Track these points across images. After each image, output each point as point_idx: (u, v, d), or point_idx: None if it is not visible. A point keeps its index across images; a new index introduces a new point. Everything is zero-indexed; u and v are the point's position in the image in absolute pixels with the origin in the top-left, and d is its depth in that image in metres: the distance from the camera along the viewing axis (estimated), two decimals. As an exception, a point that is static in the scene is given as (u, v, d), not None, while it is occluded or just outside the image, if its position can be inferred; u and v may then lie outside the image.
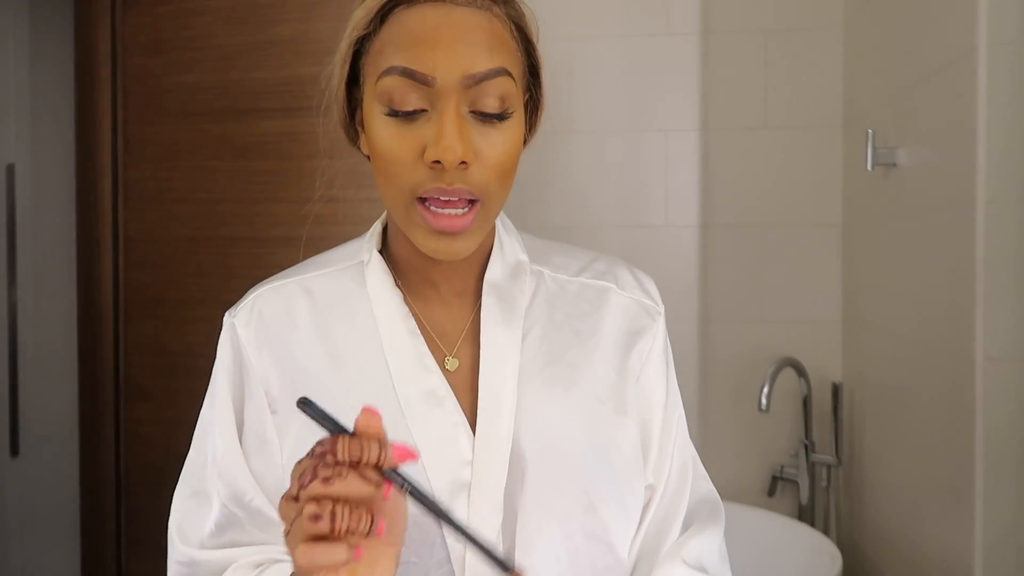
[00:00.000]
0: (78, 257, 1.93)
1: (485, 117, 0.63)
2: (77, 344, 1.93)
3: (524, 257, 0.76)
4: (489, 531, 0.67)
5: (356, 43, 0.67)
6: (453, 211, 0.63)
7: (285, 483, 0.68)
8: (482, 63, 0.62)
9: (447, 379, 0.70)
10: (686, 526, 0.75)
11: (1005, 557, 1.08)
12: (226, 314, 0.75)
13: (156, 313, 1.86)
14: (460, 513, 0.66)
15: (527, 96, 0.70)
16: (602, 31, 1.82)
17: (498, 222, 0.76)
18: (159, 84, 1.85)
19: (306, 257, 0.80)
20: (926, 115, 1.28)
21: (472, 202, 0.64)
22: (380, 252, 0.76)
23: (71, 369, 2.00)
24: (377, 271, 0.74)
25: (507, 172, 0.65)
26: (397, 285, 0.74)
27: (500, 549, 0.67)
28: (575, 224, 1.81)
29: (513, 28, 0.66)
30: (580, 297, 0.76)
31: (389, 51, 0.63)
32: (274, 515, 0.71)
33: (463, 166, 0.62)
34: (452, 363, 0.72)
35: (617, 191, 1.82)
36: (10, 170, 2.15)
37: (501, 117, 0.64)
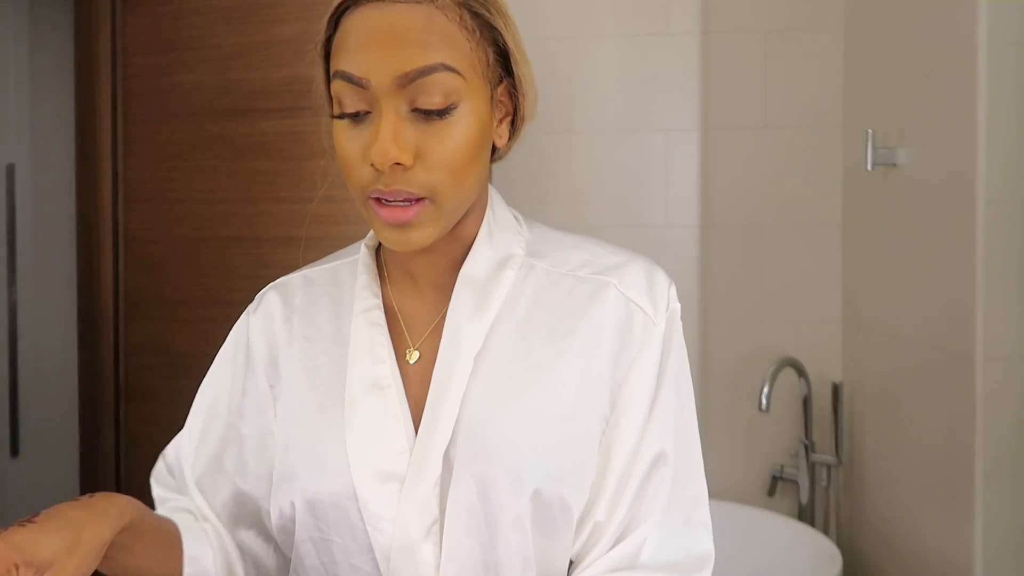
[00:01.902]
0: (78, 257, 1.93)
1: (427, 114, 0.62)
2: (77, 344, 1.93)
3: (519, 251, 0.74)
4: (416, 530, 0.65)
5: (323, 48, 0.68)
6: (398, 204, 0.63)
7: (273, 443, 0.74)
8: (415, 61, 0.61)
9: (405, 371, 0.71)
10: None
11: (1005, 557, 1.08)
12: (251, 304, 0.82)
13: (156, 313, 1.86)
14: (388, 507, 0.66)
15: (502, 83, 0.69)
16: (602, 31, 1.82)
17: (489, 214, 0.74)
18: (159, 84, 1.85)
19: (305, 257, 0.86)
20: (926, 115, 1.28)
21: (419, 199, 0.64)
22: (379, 248, 0.79)
23: (71, 369, 2.00)
24: (362, 264, 0.76)
25: (459, 168, 0.64)
26: (380, 277, 0.76)
27: (429, 549, 0.66)
28: (575, 224, 1.80)
29: (467, 16, 0.64)
30: (570, 294, 0.71)
31: (337, 56, 0.64)
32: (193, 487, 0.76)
33: (400, 167, 0.62)
34: (412, 355, 0.72)
35: (617, 191, 1.82)
36: (10, 170, 2.15)
37: (442, 113, 0.62)
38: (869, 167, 1.38)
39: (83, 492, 1.91)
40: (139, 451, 1.87)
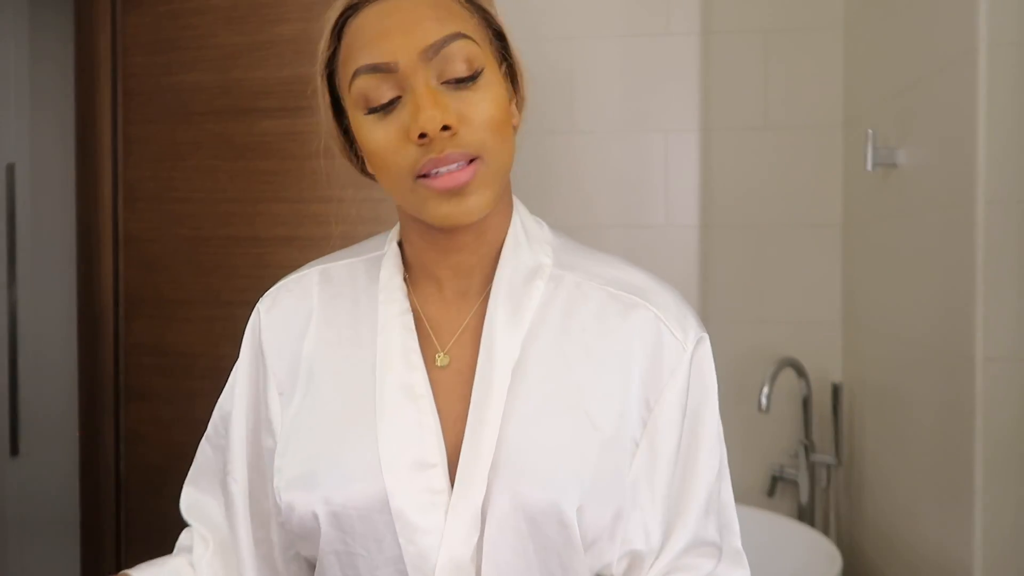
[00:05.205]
0: (78, 257, 1.93)
1: (458, 83, 0.64)
2: (77, 344, 1.93)
3: (547, 260, 0.73)
4: (465, 548, 0.64)
5: (326, 68, 0.69)
6: (451, 171, 0.63)
7: (277, 459, 0.72)
8: (435, 32, 0.63)
9: (435, 376, 0.69)
10: None
11: (1005, 557, 1.08)
12: (262, 297, 0.79)
13: (156, 313, 1.86)
14: (424, 519, 0.64)
15: (503, 65, 0.70)
16: (602, 31, 1.82)
17: (517, 222, 0.74)
18: (159, 84, 1.85)
19: (305, 256, 0.83)
20: (926, 115, 1.28)
21: (471, 160, 0.63)
22: (401, 245, 0.77)
23: (71, 369, 2.00)
24: (390, 263, 0.75)
25: (498, 125, 0.65)
26: (405, 279, 0.74)
27: (472, 569, 0.65)
28: (575, 224, 1.80)
29: (462, 1, 0.68)
30: (603, 310, 0.71)
31: (351, 58, 0.65)
32: (238, 497, 0.75)
33: (449, 132, 0.62)
34: (443, 359, 0.70)
35: (617, 191, 1.82)
36: (10, 170, 2.15)
37: (472, 79, 0.64)
38: (869, 167, 1.38)
39: (83, 492, 1.91)
40: (139, 451, 1.87)
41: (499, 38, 0.70)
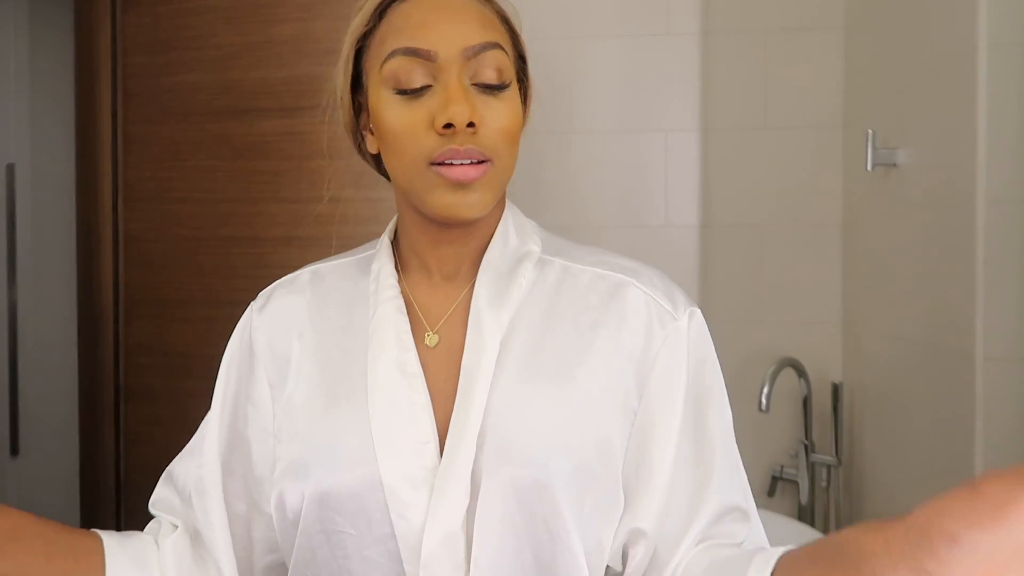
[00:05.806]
0: (78, 257, 1.93)
1: (486, 88, 0.67)
2: (77, 344, 1.93)
3: (535, 248, 0.76)
4: (454, 517, 0.65)
5: (358, 41, 0.71)
6: (466, 162, 0.66)
7: (274, 450, 0.73)
8: (478, 36, 0.67)
9: (425, 357, 0.71)
10: None
11: (1005, 557, 1.08)
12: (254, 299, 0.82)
13: (156, 313, 1.86)
14: (416, 495, 0.65)
15: (520, 85, 0.73)
16: (602, 31, 1.82)
17: (508, 217, 0.76)
18: (159, 84, 1.85)
19: (305, 256, 0.83)
20: (926, 115, 1.28)
21: (483, 161, 0.67)
22: (394, 242, 0.79)
23: (71, 369, 2.00)
24: (382, 255, 0.77)
25: (512, 136, 0.69)
26: (396, 268, 0.77)
27: (462, 538, 0.65)
28: (575, 224, 1.81)
29: (500, 19, 0.72)
30: (590, 288, 0.73)
31: (391, 38, 0.68)
32: (213, 492, 0.74)
33: (471, 128, 0.65)
34: (432, 339, 0.72)
35: (617, 191, 1.82)
36: (10, 170, 2.15)
37: (500, 88, 0.68)
38: (869, 167, 1.38)
39: (83, 492, 1.91)
40: (139, 451, 1.88)
41: (520, 60, 0.74)
